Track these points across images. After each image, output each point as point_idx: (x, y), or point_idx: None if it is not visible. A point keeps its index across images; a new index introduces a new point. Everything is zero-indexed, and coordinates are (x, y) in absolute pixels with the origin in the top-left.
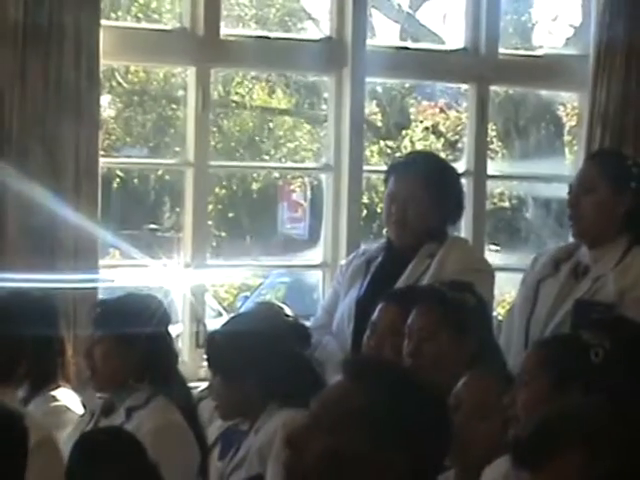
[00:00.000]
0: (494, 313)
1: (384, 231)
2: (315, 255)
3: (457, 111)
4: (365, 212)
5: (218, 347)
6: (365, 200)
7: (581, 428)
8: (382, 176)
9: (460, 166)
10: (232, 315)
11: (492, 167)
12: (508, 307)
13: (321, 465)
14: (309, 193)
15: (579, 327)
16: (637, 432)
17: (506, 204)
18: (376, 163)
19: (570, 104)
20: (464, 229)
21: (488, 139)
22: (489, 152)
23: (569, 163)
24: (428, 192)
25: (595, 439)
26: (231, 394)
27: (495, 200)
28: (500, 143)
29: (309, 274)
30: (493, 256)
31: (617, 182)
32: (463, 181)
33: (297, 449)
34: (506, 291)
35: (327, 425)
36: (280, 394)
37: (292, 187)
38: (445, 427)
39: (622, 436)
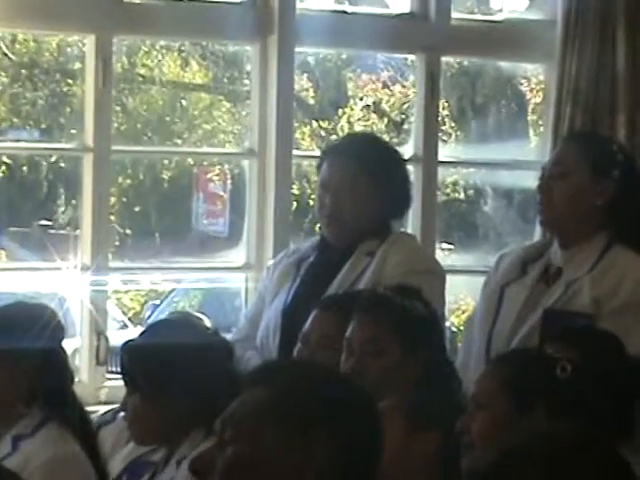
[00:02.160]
0: (446, 323)
1: (317, 227)
2: (237, 256)
3: (403, 86)
4: (295, 205)
5: (137, 358)
6: (295, 191)
7: (543, 464)
8: (315, 162)
9: (407, 151)
10: (150, 324)
11: (444, 152)
12: (463, 316)
13: (232, 476)
14: (229, 183)
15: (550, 340)
16: (606, 467)
17: (461, 195)
18: (308, 147)
19: (535, 78)
20: (411, 224)
21: (439, 119)
22: (440, 134)
23: (534, 147)
24: (367, 181)
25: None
26: (151, 415)
27: (448, 190)
28: (453, 124)
29: (230, 278)
30: (445, 256)
31: (599, 168)
32: (410, 168)
33: (205, 473)
34: (460, 297)
35: (231, 436)
36: (207, 418)
37: (209, 176)
38: (370, 420)
39: (590, 473)
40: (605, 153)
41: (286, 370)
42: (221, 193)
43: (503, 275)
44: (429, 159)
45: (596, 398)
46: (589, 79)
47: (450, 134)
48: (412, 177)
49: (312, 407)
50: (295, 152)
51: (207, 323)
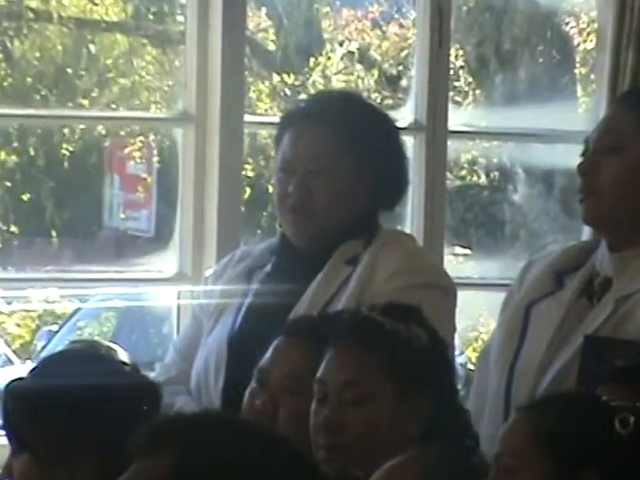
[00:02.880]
0: (459, 357)
1: (277, 224)
2: (166, 263)
3: (401, 26)
4: (248, 192)
5: (26, 406)
6: (248, 172)
7: None
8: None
9: (405, 116)
10: (44, 358)
11: (457, 118)
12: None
13: None
14: (156, 161)
15: (593, 380)
16: None
17: (481, 179)
18: (267, 112)
19: (585, 15)
20: (409, 220)
21: (451, 73)
22: (452, 94)
23: (583, 112)
24: (347, 159)
25: None
26: None
27: (463, 172)
28: (471, 79)
29: (155, 294)
30: (459, 263)
31: None
32: (408, 140)
33: None
34: (480, 321)
35: None
36: None
37: (128, 151)
38: None
39: None
40: None
41: (175, 432)
42: (144, 175)
43: (530, 289)
44: (435, 128)
45: None
46: None
47: (466, 93)
48: (410, 153)
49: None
50: (248, 118)
51: (123, 357)
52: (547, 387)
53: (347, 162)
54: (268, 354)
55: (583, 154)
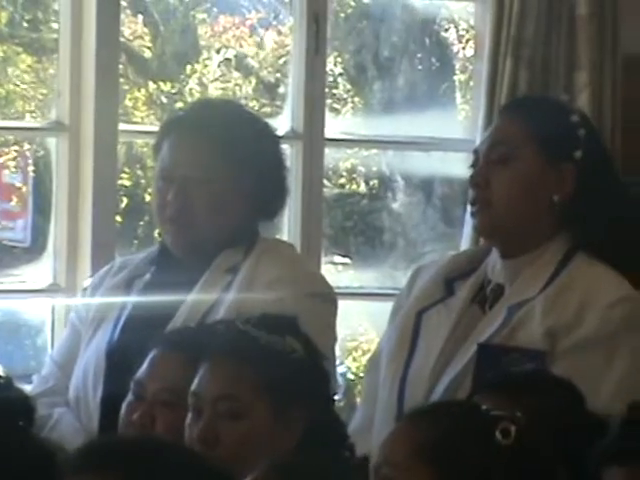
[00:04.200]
0: (339, 367)
1: (156, 232)
2: (40, 274)
3: (279, 34)
4: (125, 202)
5: None
6: (125, 181)
7: None
8: (153, 141)
9: (282, 124)
10: None
11: (335, 126)
12: (364, 358)
13: None
14: (31, 171)
15: (483, 390)
16: None
17: (361, 187)
18: (143, 119)
19: (465, 22)
20: (288, 228)
21: (329, 81)
22: (331, 101)
23: (463, 119)
24: (227, 167)
25: None
26: None
27: (342, 181)
28: (349, 87)
29: (29, 305)
30: (338, 273)
31: (555, 149)
32: (285, 149)
33: None
34: (360, 331)
35: None
36: None
37: (2, 160)
38: None
39: None
40: (563, 126)
41: (120, 452)
42: (19, 185)
43: (420, 296)
44: (312, 136)
45: (549, 474)
46: (538, 24)
47: (345, 101)
48: (288, 162)
49: None
50: (124, 126)
51: None
52: (441, 395)
53: (226, 171)
54: (144, 366)
55: (473, 165)
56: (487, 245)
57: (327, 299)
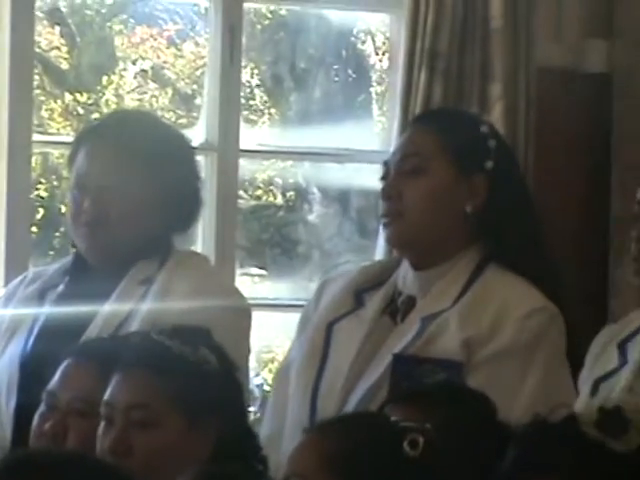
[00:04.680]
0: (256, 378)
1: (70, 243)
2: None
3: (197, 44)
4: (42, 212)
5: None
6: (42, 192)
7: None
8: (67, 152)
9: (197, 135)
10: None
11: (252, 138)
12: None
13: None
14: None
15: (394, 401)
16: None
17: (278, 199)
18: (59, 130)
19: (382, 33)
20: (202, 239)
21: (247, 92)
22: (247, 113)
23: (380, 131)
24: (141, 177)
25: None
26: None
27: (259, 193)
28: (266, 98)
29: None
30: (255, 284)
31: (466, 160)
32: (200, 160)
33: None
34: (276, 343)
35: None
36: None
37: None
38: None
39: None
40: (472, 138)
41: (33, 466)
42: None
43: (330, 308)
44: (227, 147)
45: None
46: (452, 34)
47: (262, 112)
48: (202, 173)
49: None
50: (39, 137)
51: None
52: (355, 407)
53: (139, 181)
54: (56, 377)
55: (384, 177)
56: (397, 256)
57: (241, 311)
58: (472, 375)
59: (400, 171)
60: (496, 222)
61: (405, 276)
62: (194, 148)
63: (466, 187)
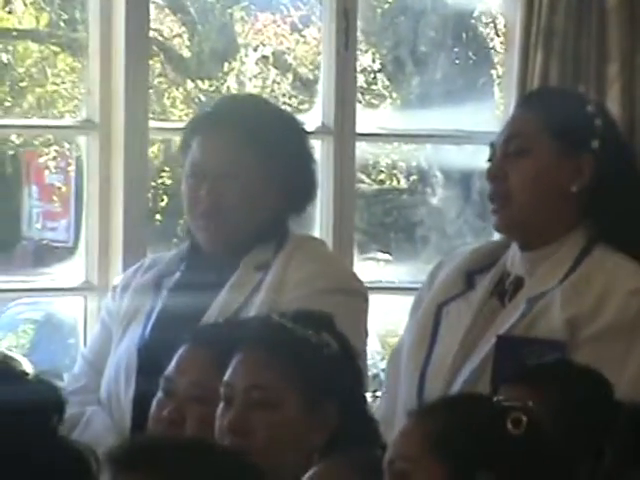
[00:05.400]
0: (380, 363)
1: (185, 230)
2: (73, 272)
3: (319, 30)
4: (166, 200)
5: None
6: (166, 180)
7: None
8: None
9: (314, 120)
10: None
11: (372, 122)
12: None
13: None
14: (73, 170)
15: (505, 382)
16: None
17: (401, 183)
18: (181, 118)
19: (502, 15)
20: (320, 224)
21: (368, 76)
22: (369, 98)
23: (501, 113)
24: (255, 162)
25: None
26: None
27: (382, 177)
28: (387, 82)
29: (63, 304)
30: (380, 269)
31: (571, 140)
32: (316, 144)
33: None
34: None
35: None
36: None
37: (43, 161)
38: None
39: None
40: (578, 117)
41: (172, 462)
42: (59, 185)
43: (441, 290)
44: (344, 131)
45: (564, 464)
46: (568, 13)
47: (383, 97)
48: (319, 157)
49: None
50: (159, 124)
51: (27, 367)
52: (460, 388)
53: (255, 166)
54: (173, 363)
55: (490, 159)
56: (507, 238)
57: (358, 295)
58: (577, 354)
59: (505, 152)
60: (603, 202)
61: (513, 257)
62: (307, 130)
63: (571, 167)
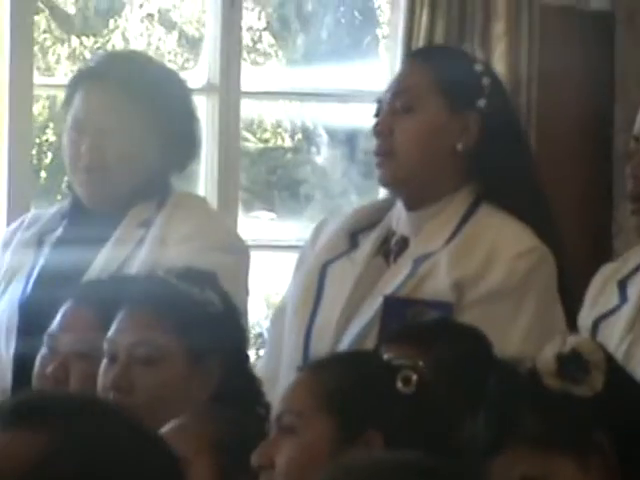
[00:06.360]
0: (252, 320)
1: (67, 186)
2: None
3: None
4: (50, 157)
5: None
6: (49, 136)
7: None
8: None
9: (199, 77)
10: None
11: (258, 81)
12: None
13: None
14: None
15: (388, 340)
16: None
17: (286, 142)
18: (66, 74)
19: None
20: (205, 183)
21: (254, 35)
22: (255, 56)
23: (387, 71)
24: (137, 117)
25: None
26: None
27: (266, 135)
28: (273, 41)
29: None
30: (263, 227)
31: (458, 98)
32: (201, 101)
33: None
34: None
35: None
36: None
37: None
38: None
39: None
40: (466, 74)
41: (68, 413)
42: None
43: (324, 249)
44: (229, 88)
45: (451, 421)
46: None
47: (269, 55)
48: (204, 115)
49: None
50: (41, 80)
51: None
52: (347, 348)
53: (137, 122)
54: (57, 319)
55: (377, 115)
56: (391, 197)
57: (240, 252)
58: (463, 316)
59: (392, 108)
60: (489, 161)
61: (398, 217)
62: (191, 88)
63: (458, 125)
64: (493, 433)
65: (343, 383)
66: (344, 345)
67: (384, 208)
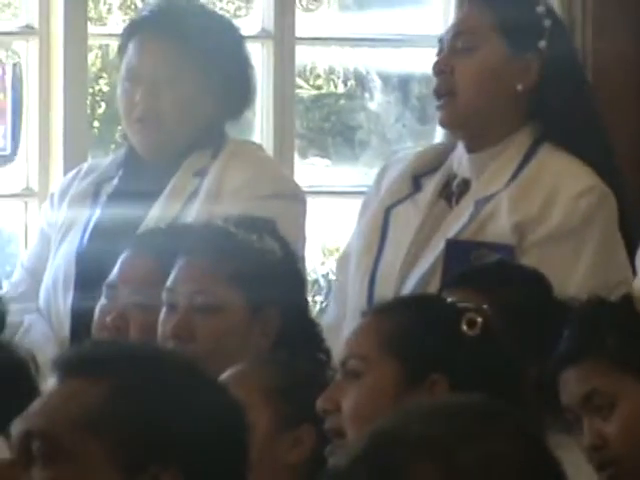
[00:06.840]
0: (319, 270)
1: (122, 136)
2: (13, 179)
3: None
4: (103, 107)
5: None
6: (103, 86)
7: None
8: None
9: (253, 24)
10: None
11: (310, 27)
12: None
13: None
14: (11, 74)
15: (450, 284)
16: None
17: (339, 88)
18: (118, 25)
19: None
20: (260, 130)
21: None
22: (306, 2)
23: (441, 16)
24: (192, 66)
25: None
26: None
27: (319, 82)
28: None
29: (5, 212)
30: (321, 173)
31: (520, 38)
32: (256, 49)
33: None
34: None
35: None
36: None
37: None
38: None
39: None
40: (528, 15)
41: (130, 365)
42: None
43: (388, 193)
44: (283, 35)
45: (515, 365)
46: None
47: (321, 1)
48: (259, 62)
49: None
50: (94, 29)
51: None
52: (411, 291)
53: (191, 70)
54: (115, 269)
55: (438, 54)
56: (453, 140)
57: (296, 199)
58: (524, 258)
59: (453, 48)
60: (549, 102)
61: (460, 159)
62: (245, 36)
63: (518, 66)
64: (575, 345)
65: (407, 327)
66: (407, 289)
67: (446, 151)
